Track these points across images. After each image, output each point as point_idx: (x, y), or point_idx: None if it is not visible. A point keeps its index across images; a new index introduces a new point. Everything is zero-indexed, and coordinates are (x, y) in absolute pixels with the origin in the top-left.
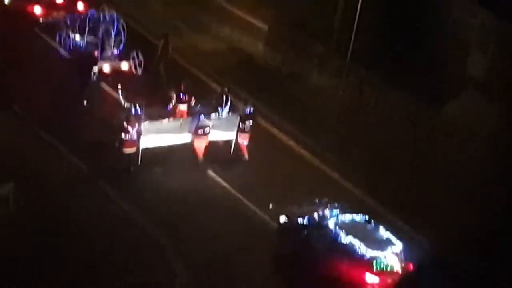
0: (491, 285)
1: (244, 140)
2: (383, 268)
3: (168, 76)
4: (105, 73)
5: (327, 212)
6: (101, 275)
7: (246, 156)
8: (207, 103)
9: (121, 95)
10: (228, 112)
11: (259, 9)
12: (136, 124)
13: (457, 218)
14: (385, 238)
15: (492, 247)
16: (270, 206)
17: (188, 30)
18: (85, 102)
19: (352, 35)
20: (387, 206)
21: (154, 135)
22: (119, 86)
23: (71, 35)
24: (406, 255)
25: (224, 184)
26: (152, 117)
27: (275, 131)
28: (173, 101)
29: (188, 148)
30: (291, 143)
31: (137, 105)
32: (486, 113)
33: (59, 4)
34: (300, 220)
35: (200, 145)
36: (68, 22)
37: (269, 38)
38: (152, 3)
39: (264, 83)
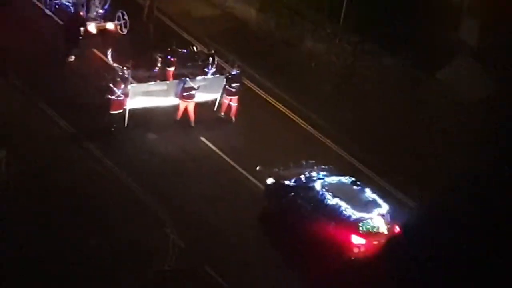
0: (478, 247)
1: (232, 102)
2: (369, 229)
3: (154, 38)
4: (91, 33)
5: (314, 174)
6: (92, 233)
7: (234, 118)
8: (194, 65)
9: (109, 56)
10: (214, 74)
11: None
12: (123, 86)
13: (446, 181)
14: (371, 200)
15: (480, 211)
16: (258, 168)
17: None
18: (72, 58)
19: (344, 1)
20: (376, 169)
21: (141, 97)
22: (107, 47)
23: None
24: (392, 217)
25: (213, 146)
26: (139, 79)
27: (266, 95)
28: (159, 64)
29: (175, 110)
30: (283, 107)
31: (125, 66)
32: (478, 78)
33: None
34: (287, 182)
35: (185, 107)
36: None
37: (263, 4)
38: None
39: (257, 48)
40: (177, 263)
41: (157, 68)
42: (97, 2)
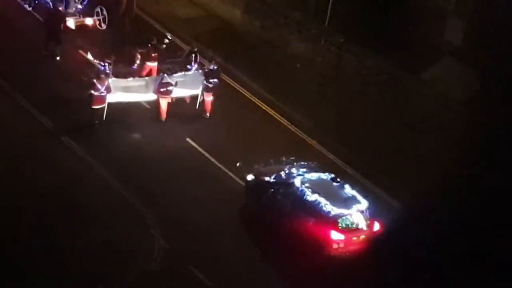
0: (464, 246)
1: (208, 97)
2: (348, 225)
3: (133, 34)
4: (70, 28)
5: (294, 170)
6: (74, 234)
7: (208, 113)
8: (175, 61)
9: (89, 54)
10: (192, 70)
11: None
12: (105, 81)
13: (431, 181)
14: (350, 196)
15: (465, 210)
16: (238, 164)
17: None
18: (57, 57)
19: (329, 1)
20: (360, 169)
21: (120, 92)
22: (88, 44)
23: None
24: (371, 213)
25: (194, 143)
26: (119, 75)
27: (251, 96)
28: (139, 60)
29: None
30: (266, 107)
31: (106, 61)
32: (462, 78)
33: None
34: (267, 178)
35: (164, 103)
36: None
37: (247, 5)
38: None
39: (242, 49)
40: (161, 264)
41: (136, 64)
42: None
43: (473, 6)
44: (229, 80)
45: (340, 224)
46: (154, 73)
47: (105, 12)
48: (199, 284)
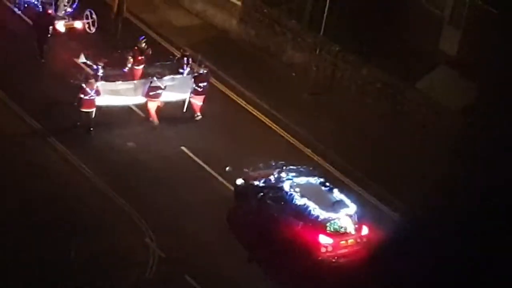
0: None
1: (197, 101)
2: (336, 229)
3: (123, 38)
4: (59, 31)
5: (283, 174)
6: (67, 241)
7: (199, 116)
8: (165, 65)
9: (82, 57)
10: (182, 74)
11: None
12: (95, 85)
13: (426, 189)
14: (339, 200)
15: (460, 217)
16: (227, 168)
17: (162, 5)
18: (42, 60)
19: (325, 10)
20: (355, 178)
21: (109, 95)
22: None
23: None
24: (359, 217)
25: (186, 150)
26: (109, 78)
27: (246, 104)
28: (130, 64)
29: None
30: (260, 115)
31: (98, 64)
32: (457, 88)
33: None
34: (256, 182)
35: (152, 107)
36: None
37: (243, 14)
38: None
39: (237, 58)
40: (157, 273)
41: (127, 67)
42: (65, 1)
43: (467, 16)
44: (223, 88)
45: (328, 228)
46: (141, 76)
47: (94, 16)
48: None
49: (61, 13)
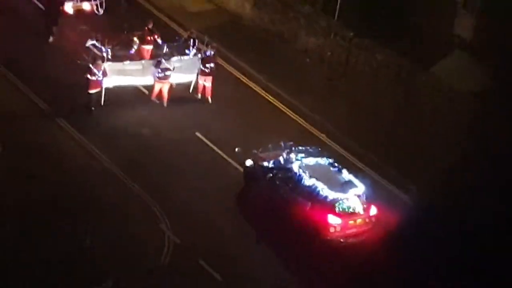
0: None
1: (206, 82)
2: (345, 209)
3: (131, 19)
4: (67, 13)
5: (292, 155)
6: (81, 227)
7: (210, 99)
8: (172, 46)
9: (90, 36)
10: (190, 55)
11: None
12: (102, 66)
13: (440, 174)
14: (347, 181)
15: (472, 203)
16: (236, 149)
17: None
18: (51, 38)
19: None
20: (370, 162)
21: (117, 76)
22: (84, 27)
23: None
24: (368, 197)
25: (199, 134)
26: (116, 58)
27: (260, 90)
28: (136, 45)
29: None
30: (274, 100)
31: (104, 45)
32: (472, 72)
33: None
34: (265, 163)
35: (161, 88)
36: None
37: None
38: None
39: (251, 43)
40: (171, 259)
41: (134, 49)
42: None
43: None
44: (236, 73)
45: (337, 208)
46: (149, 56)
47: None
48: (209, 279)
49: None
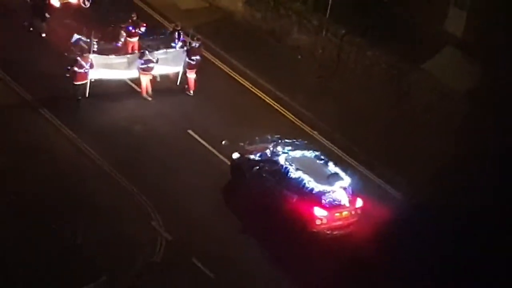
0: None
1: (191, 74)
2: (331, 202)
3: (117, 11)
4: (54, 6)
5: (279, 148)
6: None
7: (192, 91)
8: (157, 38)
9: (76, 34)
10: (175, 47)
11: None
12: (89, 58)
13: (431, 171)
14: (333, 173)
15: (465, 200)
16: (223, 142)
17: None
18: (43, 34)
19: None
20: (360, 159)
21: (102, 69)
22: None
23: None
24: (354, 190)
25: (191, 132)
26: (102, 51)
27: (252, 87)
28: (123, 38)
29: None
30: (265, 96)
31: (91, 39)
32: (463, 69)
33: None
34: (252, 156)
35: (145, 80)
36: None
37: None
38: None
39: (243, 41)
40: (163, 256)
41: (121, 41)
42: None
43: None
44: (228, 70)
45: (323, 201)
46: (136, 49)
47: None
48: (201, 276)
49: None
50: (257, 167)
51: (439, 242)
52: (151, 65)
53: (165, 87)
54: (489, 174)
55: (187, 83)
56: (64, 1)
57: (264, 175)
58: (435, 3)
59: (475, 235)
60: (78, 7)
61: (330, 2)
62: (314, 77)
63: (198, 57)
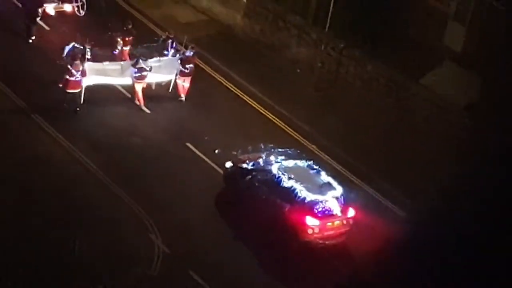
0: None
1: (185, 83)
2: (323, 211)
3: (113, 20)
4: (49, 14)
5: (272, 157)
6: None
7: (184, 97)
8: (150, 46)
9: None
10: (168, 55)
11: None
12: (81, 66)
13: (431, 186)
14: (326, 183)
15: (466, 214)
16: (216, 151)
17: (167, 1)
18: (30, 39)
19: (330, 6)
20: (360, 174)
21: (95, 76)
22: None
23: None
24: (346, 199)
25: (189, 144)
26: (97, 59)
27: (250, 100)
28: (120, 46)
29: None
30: (265, 110)
31: (86, 46)
32: (462, 84)
33: None
34: (245, 165)
35: (138, 88)
36: None
37: (248, 10)
38: None
39: (242, 54)
40: (161, 269)
41: (117, 49)
42: None
43: (473, 11)
44: (226, 83)
45: (315, 210)
46: (126, 57)
47: None
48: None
49: None
50: (250, 176)
51: (439, 243)
52: (144, 73)
53: (158, 94)
54: (489, 181)
55: (178, 90)
56: (59, 10)
57: (256, 184)
58: (435, 18)
59: (475, 235)
60: (73, 15)
61: (329, 16)
62: (313, 90)
63: (191, 65)
